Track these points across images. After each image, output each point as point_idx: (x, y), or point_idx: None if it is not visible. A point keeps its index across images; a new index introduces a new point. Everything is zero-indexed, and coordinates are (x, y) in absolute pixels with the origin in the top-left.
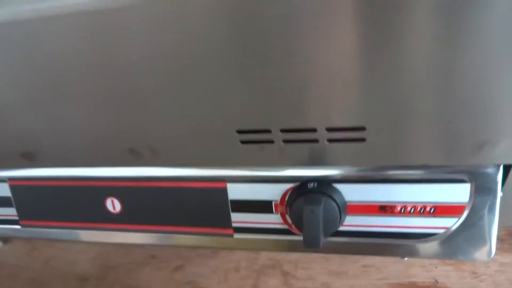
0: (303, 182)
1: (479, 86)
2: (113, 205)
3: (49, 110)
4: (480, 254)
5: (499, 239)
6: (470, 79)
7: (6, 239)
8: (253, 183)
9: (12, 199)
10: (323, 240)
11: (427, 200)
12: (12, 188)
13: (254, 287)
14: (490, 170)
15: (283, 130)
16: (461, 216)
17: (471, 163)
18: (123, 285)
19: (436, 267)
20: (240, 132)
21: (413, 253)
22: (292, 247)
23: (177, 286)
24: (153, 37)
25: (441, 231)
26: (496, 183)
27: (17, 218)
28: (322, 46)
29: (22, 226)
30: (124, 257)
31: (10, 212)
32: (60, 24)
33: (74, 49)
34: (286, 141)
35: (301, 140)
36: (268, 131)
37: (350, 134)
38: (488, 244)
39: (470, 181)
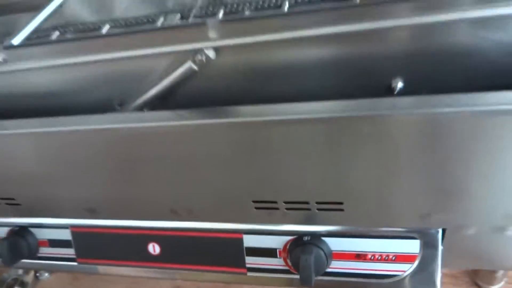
0: (300, 236)
1: (413, 186)
2: (154, 248)
3: (117, 186)
4: None
5: (454, 276)
6: (407, 183)
7: (52, 271)
8: (262, 235)
9: (72, 241)
10: (314, 279)
11: (390, 251)
12: (73, 233)
13: None
14: (433, 231)
15: (286, 202)
16: (414, 263)
17: (420, 227)
18: None
19: None
20: (254, 201)
21: None
22: (291, 283)
23: None
24: (194, 147)
25: (401, 273)
26: (437, 240)
27: (75, 256)
28: (307, 157)
29: (79, 263)
30: (153, 286)
31: (69, 252)
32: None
33: (143, 154)
34: (287, 209)
35: (298, 209)
36: (274, 202)
37: (333, 206)
38: (435, 284)
39: (420, 238)
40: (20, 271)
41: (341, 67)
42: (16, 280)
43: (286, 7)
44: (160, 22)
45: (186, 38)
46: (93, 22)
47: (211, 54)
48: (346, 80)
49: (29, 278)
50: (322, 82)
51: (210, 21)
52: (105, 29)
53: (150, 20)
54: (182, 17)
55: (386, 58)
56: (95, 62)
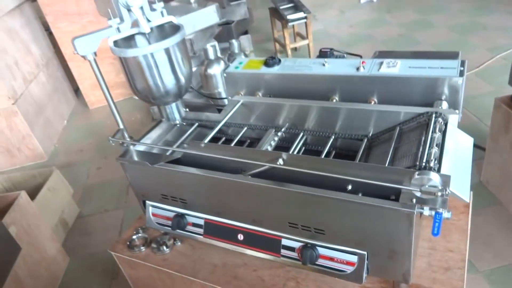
0: (306, 243)
1: (353, 233)
2: (240, 236)
3: (230, 204)
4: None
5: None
6: (351, 231)
7: (183, 240)
8: (290, 240)
9: (203, 226)
10: (308, 262)
11: (344, 258)
12: (205, 222)
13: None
14: (362, 252)
15: (302, 226)
16: (354, 266)
17: (356, 250)
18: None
19: None
20: (289, 223)
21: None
22: (296, 265)
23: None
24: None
25: (347, 270)
26: (364, 257)
27: (202, 233)
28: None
29: (203, 237)
30: (238, 256)
31: (200, 231)
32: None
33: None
34: (302, 229)
35: (306, 230)
36: (296, 224)
37: (320, 231)
38: (362, 278)
39: (356, 255)
40: (166, 237)
41: None
42: (164, 242)
43: (323, 155)
44: (268, 134)
45: (270, 156)
46: (238, 124)
47: (281, 162)
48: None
49: (170, 242)
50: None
51: (283, 154)
52: (238, 136)
53: (264, 128)
54: (275, 131)
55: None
56: (226, 156)
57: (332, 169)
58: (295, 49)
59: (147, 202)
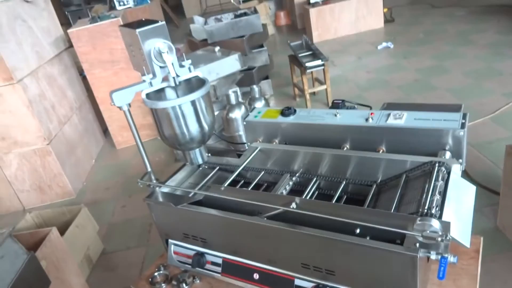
0: (317, 284)
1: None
2: (256, 275)
3: (246, 244)
4: None
5: None
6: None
7: (201, 279)
8: (302, 280)
9: (221, 266)
10: None
11: None
12: (223, 261)
13: None
14: None
15: (314, 267)
16: None
17: None
18: None
19: None
20: (302, 263)
21: None
22: None
23: None
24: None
25: None
26: None
27: (220, 272)
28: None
29: (221, 275)
30: None
31: (218, 269)
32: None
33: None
34: (314, 270)
35: (317, 270)
36: (308, 265)
37: (330, 272)
38: None
39: None
40: (186, 275)
41: None
42: (184, 280)
43: (333, 201)
44: (284, 178)
45: (284, 200)
46: (256, 169)
47: (294, 206)
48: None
49: (190, 280)
50: None
51: (296, 198)
52: (255, 180)
53: (280, 172)
54: (290, 175)
55: None
56: (243, 199)
57: (342, 213)
58: (313, 93)
59: (170, 240)
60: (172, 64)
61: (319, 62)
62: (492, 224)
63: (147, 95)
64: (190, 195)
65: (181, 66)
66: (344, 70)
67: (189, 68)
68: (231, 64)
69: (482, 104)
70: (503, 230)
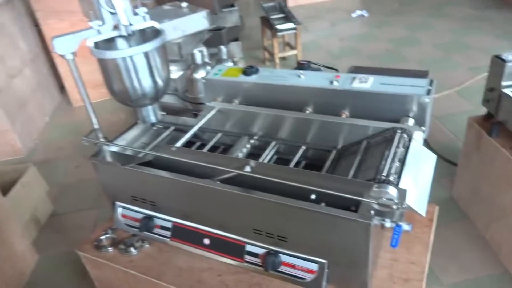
0: (269, 250)
1: (312, 239)
2: (206, 240)
3: (195, 207)
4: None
5: None
6: (310, 238)
7: (151, 243)
8: (254, 246)
9: (171, 230)
10: (270, 267)
11: (305, 266)
12: (173, 226)
13: None
14: (322, 261)
15: (267, 233)
16: (314, 274)
17: (317, 258)
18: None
19: None
20: (254, 230)
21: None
22: (259, 271)
23: None
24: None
25: (308, 277)
26: (324, 265)
27: (170, 236)
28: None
29: (170, 240)
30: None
31: (168, 234)
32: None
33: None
34: (267, 236)
35: (270, 237)
36: (261, 231)
37: (283, 238)
38: (321, 285)
39: (317, 263)
40: (135, 239)
41: None
42: (131, 244)
43: (292, 164)
44: (241, 141)
45: (239, 163)
46: (213, 130)
47: (249, 169)
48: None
49: (138, 244)
50: None
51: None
52: (212, 142)
53: (238, 135)
54: (249, 138)
55: None
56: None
57: (297, 178)
58: (283, 58)
59: (117, 203)
60: (125, 11)
61: (291, 25)
62: (447, 194)
63: (96, 44)
64: (141, 155)
65: (135, 14)
66: (317, 36)
67: (144, 17)
68: (198, 21)
69: (448, 77)
70: (457, 200)
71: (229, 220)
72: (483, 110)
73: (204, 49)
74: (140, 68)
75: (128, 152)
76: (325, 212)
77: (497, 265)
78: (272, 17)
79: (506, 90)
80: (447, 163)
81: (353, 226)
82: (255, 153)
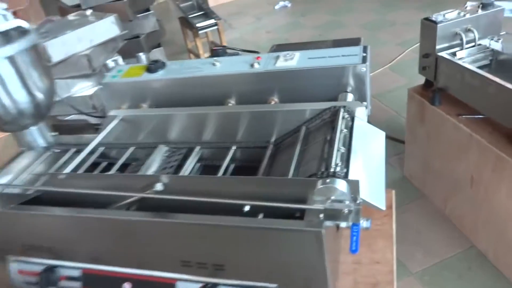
0: (206, 283)
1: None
2: (128, 285)
3: (107, 247)
4: None
5: None
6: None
7: None
8: (186, 282)
9: (82, 279)
10: None
11: None
12: (83, 274)
13: None
14: (272, 285)
15: (198, 263)
16: None
17: (263, 284)
18: None
19: None
20: (182, 262)
21: None
22: None
23: None
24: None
25: None
26: None
27: (80, 287)
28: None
29: None
30: None
31: (78, 285)
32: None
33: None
34: (198, 267)
35: (202, 267)
36: (189, 262)
37: (219, 267)
38: None
39: None
40: None
41: None
42: None
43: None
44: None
45: (147, 181)
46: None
47: (160, 187)
48: None
49: None
50: None
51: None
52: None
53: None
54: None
55: None
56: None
57: (226, 189)
58: None
59: (8, 257)
60: None
61: (211, 21)
62: (399, 174)
63: None
64: (30, 192)
65: None
66: (242, 33)
67: (5, 16)
68: (107, 28)
69: (379, 54)
70: (410, 178)
71: (150, 255)
72: (418, 82)
73: (119, 58)
74: (6, 78)
75: (12, 190)
76: (263, 226)
77: (462, 240)
78: (191, 16)
79: (442, 54)
80: (393, 142)
81: (300, 238)
82: (177, 165)
